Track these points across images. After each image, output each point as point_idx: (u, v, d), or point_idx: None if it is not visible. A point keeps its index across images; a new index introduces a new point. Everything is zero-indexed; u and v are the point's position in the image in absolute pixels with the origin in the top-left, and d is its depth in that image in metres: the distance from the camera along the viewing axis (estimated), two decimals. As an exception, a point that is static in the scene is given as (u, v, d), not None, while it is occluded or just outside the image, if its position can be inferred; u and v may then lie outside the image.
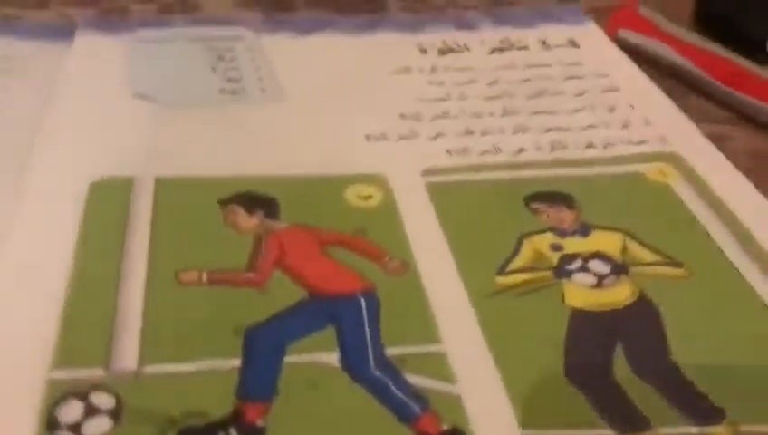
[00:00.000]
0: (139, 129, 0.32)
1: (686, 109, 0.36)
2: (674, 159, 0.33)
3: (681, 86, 0.39)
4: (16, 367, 0.22)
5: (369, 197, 0.30)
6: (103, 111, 0.34)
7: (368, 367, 0.23)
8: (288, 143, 0.33)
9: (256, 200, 0.29)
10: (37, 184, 0.29)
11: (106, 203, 0.28)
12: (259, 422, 0.21)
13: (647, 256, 0.28)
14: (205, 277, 0.26)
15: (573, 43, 0.41)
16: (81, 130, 0.32)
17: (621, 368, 0.23)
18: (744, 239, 0.28)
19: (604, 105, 0.36)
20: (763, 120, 0.36)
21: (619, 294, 0.26)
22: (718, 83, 0.38)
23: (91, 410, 0.21)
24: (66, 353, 0.22)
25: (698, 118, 0.36)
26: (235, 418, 0.21)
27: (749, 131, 0.36)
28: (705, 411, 0.22)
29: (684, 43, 0.40)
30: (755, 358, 0.24)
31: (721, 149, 0.33)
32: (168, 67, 0.37)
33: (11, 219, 0.27)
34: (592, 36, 0.42)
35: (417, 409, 0.22)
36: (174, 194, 0.29)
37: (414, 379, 0.23)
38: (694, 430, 0.22)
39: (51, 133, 0.32)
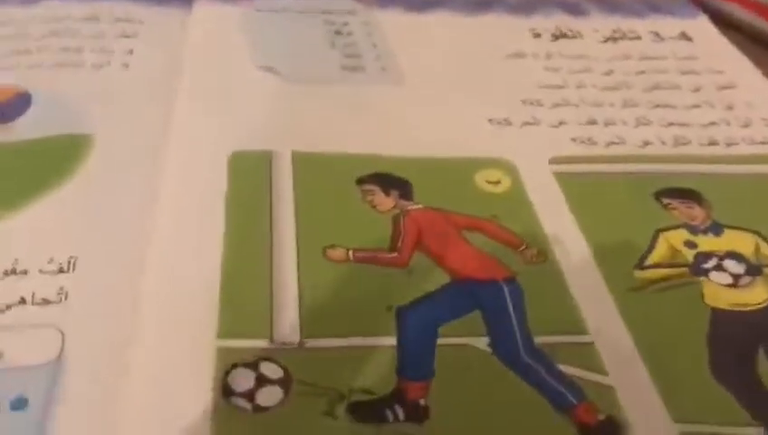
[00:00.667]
0: (269, 102, 0.33)
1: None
2: (798, 162, 0.33)
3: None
4: (185, 337, 0.23)
5: (498, 182, 0.30)
6: (231, 83, 0.34)
7: (518, 353, 0.24)
8: (413, 124, 0.33)
9: (392, 181, 0.29)
10: (177, 155, 0.30)
11: (248, 176, 0.29)
12: (422, 401, 0.22)
13: (780, 258, 0.28)
14: (351, 255, 0.26)
15: (686, 36, 0.41)
16: (214, 102, 0.33)
17: (764, 367, 0.24)
18: None
19: (722, 102, 0.36)
20: None
21: (757, 295, 0.26)
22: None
23: (261, 380, 0.22)
24: (231, 324, 0.23)
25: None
26: (399, 396, 0.22)
27: None
28: None
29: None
30: None
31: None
32: (287, 39, 0.38)
33: (154, 188, 0.28)
34: (704, 30, 0.42)
35: (572, 398, 0.22)
36: (311, 169, 0.30)
37: (564, 368, 0.23)
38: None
39: (186, 105, 0.32)
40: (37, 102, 0.32)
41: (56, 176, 0.28)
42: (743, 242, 0.28)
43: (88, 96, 0.33)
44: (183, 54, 0.35)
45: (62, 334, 0.23)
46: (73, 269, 0.25)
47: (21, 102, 0.32)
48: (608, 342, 0.24)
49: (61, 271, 0.25)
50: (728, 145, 0.33)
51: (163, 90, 0.33)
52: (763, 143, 0.34)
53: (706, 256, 0.28)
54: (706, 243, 0.28)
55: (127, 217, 0.27)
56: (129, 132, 0.31)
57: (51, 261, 0.25)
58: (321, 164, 0.30)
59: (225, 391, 0.21)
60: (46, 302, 0.24)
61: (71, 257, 0.25)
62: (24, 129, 0.31)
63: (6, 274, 0.25)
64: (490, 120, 0.34)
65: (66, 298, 0.24)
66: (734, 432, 0.22)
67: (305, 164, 0.30)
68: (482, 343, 0.24)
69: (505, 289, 0.26)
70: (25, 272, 0.25)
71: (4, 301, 0.24)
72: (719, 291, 0.26)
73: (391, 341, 0.23)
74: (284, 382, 0.22)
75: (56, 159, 0.29)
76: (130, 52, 0.36)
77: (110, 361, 0.22)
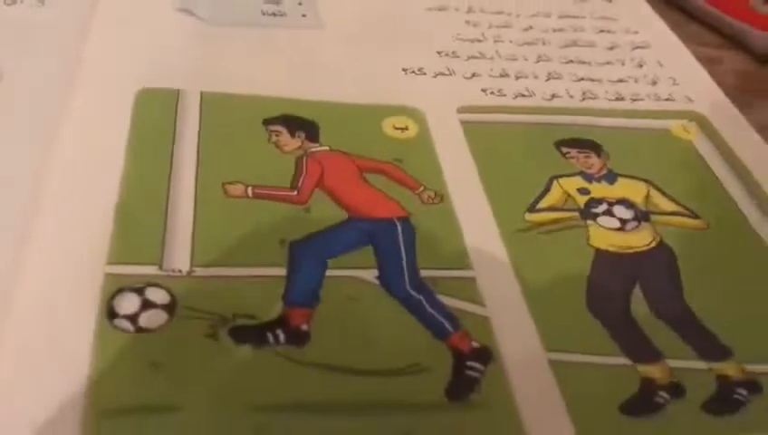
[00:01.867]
0: (184, 43, 0.33)
1: (682, 35, 0.39)
2: (699, 119, 0.34)
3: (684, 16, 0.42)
4: (75, 262, 0.23)
5: (405, 128, 0.31)
6: (147, 23, 0.34)
7: (404, 285, 0.24)
8: (328, 70, 0.33)
9: (299, 122, 0.30)
10: (86, 89, 0.30)
11: (153, 113, 0.29)
12: (303, 326, 0.23)
13: (668, 205, 0.29)
14: (250, 192, 0.27)
15: (607, -3, 0.42)
16: (126, 40, 0.33)
17: (639, 307, 0.25)
18: (758, 196, 0.30)
19: (634, 61, 0.37)
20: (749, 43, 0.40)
21: (641, 239, 0.28)
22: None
23: (147, 304, 0.22)
24: (121, 251, 0.24)
25: (694, 41, 0.39)
26: (282, 321, 0.23)
27: (736, 54, 0.40)
28: (714, 349, 0.24)
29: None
30: (762, 304, 0.26)
31: (711, 70, 0.37)
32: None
33: (60, 123, 0.28)
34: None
35: (449, 326, 0.23)
36: (219, 110, 0.30)
37: (446, 300, 0.24)
38: (703, 365, 0.23)
39: (97, 41, 0.32)
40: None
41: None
42: (634, 190, 0.30)
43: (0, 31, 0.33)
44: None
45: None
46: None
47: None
48: (490, 277, 0.25)
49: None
50: (633, 100, 0.34)
51: (77, 28, 0.33)
52: (667, 100, 0.35)
53: (597, 201, 0.29)
54: (599, 190, 0.29)
55: (29, 148, 0.27)
56: (39, 66, 0.31)
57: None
58: (230, 105, 0.30)
59: (110, 313, 0.22)
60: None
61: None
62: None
63: None
64: (404, 70, 0.34)
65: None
66: (603, 362, 0.23)
67: (213, 104, 0.30)
68: (370, 275, 0.25)
69: (399, 227, 0.26)
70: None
71: None
72: (605, 234, 0.28)
73: (281, 271, 0.24)
74: (169, 307, 0.22)
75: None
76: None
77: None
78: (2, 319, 0.21)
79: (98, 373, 0.20)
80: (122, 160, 0.27)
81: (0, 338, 0.21)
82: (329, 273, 0.24)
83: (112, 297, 0.22)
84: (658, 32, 0.40)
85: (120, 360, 0.21)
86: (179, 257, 0.24)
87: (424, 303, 0.24)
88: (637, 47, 0.38)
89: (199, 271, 0.24)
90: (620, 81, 0.36)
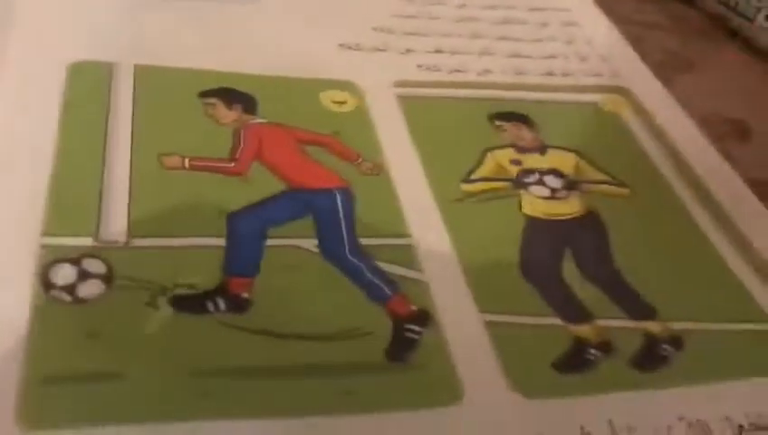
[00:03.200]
0: (116, 15, 0.33)
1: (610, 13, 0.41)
2: (625, 93, 0.35)
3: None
4: (9, 234, 0.23)
5: (343, 102, 0.31)
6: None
7: (344, 253, 0.25)
8: (264, 44, 0.33)
9: (235, 95, 0.30)
10: (16, 63, 0.29)
11: (86, 85, 0.29)
12: (244, 294, 0.23)
13: (597, 175, 0.30)
14: (187, 163, 0.27)
15: (539, -24, 0.43)
16: (55, 11, 0.32)
17: (570, 271, 0.26)
18: (680, 165, 0.31)
19: (564, 38, 0.38)
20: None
21: (570, 207, 0.29)
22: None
23: (83, 275, 0.22)
24: (56, 223, 0.23)
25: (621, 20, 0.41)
26: (222, 290, 0.23)
27: (661, 33, 0.42)
28: (641, 309, 0.25)
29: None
30: (684, 266, 0.27)
31: (637, 48, 0.38)
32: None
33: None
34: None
35: (388, 291, 0.24)
36: (153, 82, 0.30)
37: (385, 267, 0.25)
38: (630, 324, 0.25)
39: (27, 13, 0.31)
40: None
41: None
42: (564, 160, 0.31)
43: None
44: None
45: None
46: None
47: None
48: (426, 244, 0.26)
49: None
50: (564, 75, 0.36)
51: None
52: (595, 75, 0.36)
53: (529, 172, 0.30)
54: (531, 161, 0.30)
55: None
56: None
57: None
58: (165, 77, 0.30)
59: (46, 284, 0.22)
60: None
61: None
62: None
63: None
64: (340, 45, 0.34)
65: None
66: (536, 322, 0.24)
67: (148, 77, 0.30)
68: (310, 244, 0.25)
69: (338, 197, 0.27)
70: None
71: None
72: (536, 202, 0.28)
73: (220, 242, 0.24)
74: (107, 278, 0.22)
75: None
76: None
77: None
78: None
79: (36, 343, 0.20)
80: (55, 133, 0.26)
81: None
82: (269, 242, 0.25)
83: (48, 268, 0.22)
84: (587, 10, 0.41)
85: (59, 330, 0.21)
86: (116, 228, 0.24)
87: (364, 269, 0.24)
88: (567, 24, 0.39)
89: (137, 241, 0.24)
90: (551, 57, 0.37)
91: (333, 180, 0.27)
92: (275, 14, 0.35)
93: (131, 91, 0.29)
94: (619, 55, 0.38)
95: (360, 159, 0.29)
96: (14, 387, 0.19)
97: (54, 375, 0.20)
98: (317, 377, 0.21)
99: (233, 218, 0.25)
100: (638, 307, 0.25)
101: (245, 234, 0.25)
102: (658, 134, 0.33)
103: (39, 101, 0.27)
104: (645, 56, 0.38)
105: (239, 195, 0.26)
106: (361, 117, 0.31)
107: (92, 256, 0.23)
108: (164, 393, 0.20)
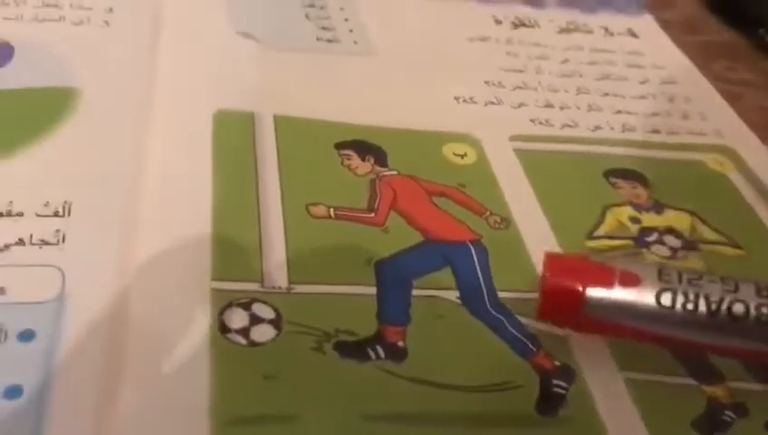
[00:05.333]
0: (249, 66, 0.34)
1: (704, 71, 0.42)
2: (728, 152, 0.36)
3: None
4: (180, 279, 0.24)
5: (464, 155, 0.33)
6: (209, 45, 0.35)
7: (485, 306, 0.26)
8: (385, 96, 0.35)
9: (368, 147, 0.31)
10: (164, 110, 0.31)
11: (232, 134, 0.30)
12: (400, 343, 0.24)
13: (711, 235, 0.31)
14: (332, 212, 0.28)
15: (632, 33, 0.45)
16: (195, 62, 0.34)
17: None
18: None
19: (664, 95, 0.40)
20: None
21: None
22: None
23: (255, 319, 0.24)
24: (224, 267, 0.25)
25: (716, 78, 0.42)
26: (380, 337, 0.24)
27: (755, 91, 0.42)
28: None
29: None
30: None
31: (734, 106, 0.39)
32: (264, 7, 0.39)
33: (142, 140, 0.29)
34: (649, 28, 0.45)
35: (531, 346, 0.25)
36: (293, 133, 0.31)
37: (523, 320, 0.26)
38: (759, 387, 0.26)
39: (169, 64, 0.33)
40: (20, 54, 0.33)
41: (47, 123, 0.29)
42: (680, 220, 0.32)
43: (71, 51, 0.33)
44: (162, 15, 0.37)
45: (62, 273, 0.24)
46: (68, 214, 0.26)
47: (4, 52, 0.33)
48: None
49: (56, 215, 0.26)
50: (669, 133, 0.37)
51: (144, 48, 0.34)
52: (700, 134, 0.37)
53: (649, 231, 0.31)
54: (649, 220, 0.31)
55: (117, 166, 0.28)
56: (113, 86, 0.32)
57: (47, 205, 0.26)
58: (302, 128, 0.32)
59: (222, 327, 0.23)
60: (45, 243, 0.25)
61: (65, 202, 0.26)
62: (9, 78, 0.32)
63: (2, 215, 0.26)
64: (456, 98, 0.36)
65: (63, 241, 0.25)
66: (672, 381, 0.25)
67: (286, 127, 0.31)
68: (452, 295, 0.26)
69: (472, 249, 0.28)
70: (21, 214, 0.26)
71: (2, 241, 0.25)
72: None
73: (371, 290, 0.26)
74: (276, 322, 0.24)
75: (43, 109, 0.30)
76: (110, 10, 0.37)
77: (110, 301, 0.23)
78: (118, 332, 0.23)
79: (221, 385, 0.22)
80: (210, 179, 0.28)
81: (124, 361, 0.22)
82: (415, 292, 0.26)
83: (222, 312, 0.24)
84: (684, 68, 0.42)
85: (239, 372, 0.22)
86: (278, 275, 0.25)
87: (505, 323, 0.26)
88: (666, 82, 0.41)
89: (298, 288, 0.25)
90: (654, 114, 0.38)
91: (466, 233, 0.29)
92: (392, 68, 0.37)
93: (274, 140, 0.31)
94: (720, 114, 0.39)
95: (488, 213, 0.30)
96: (206, 429, 0.21)
97: (241, 417, 0.21)
98: (471, 426, 0.23)
99: (381, 266, 0.26)
100: (765, 370, 0.26)
101: (395, 282, 0.26)
102: (766, 194, 0.34)
103: (192, 147, 0.29)
104: (742, 114, 0.40)
105: (381, 244, 0.27)
106: (483, 170, 0.32)
107: (260, 301, 0.24)
108: (339, 435, 0.21)
